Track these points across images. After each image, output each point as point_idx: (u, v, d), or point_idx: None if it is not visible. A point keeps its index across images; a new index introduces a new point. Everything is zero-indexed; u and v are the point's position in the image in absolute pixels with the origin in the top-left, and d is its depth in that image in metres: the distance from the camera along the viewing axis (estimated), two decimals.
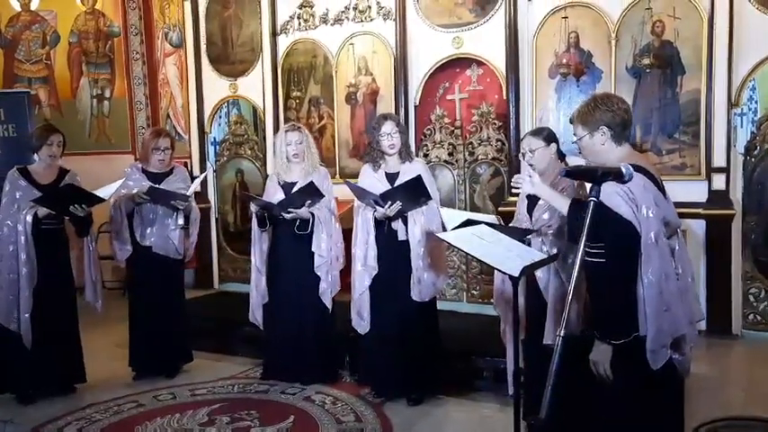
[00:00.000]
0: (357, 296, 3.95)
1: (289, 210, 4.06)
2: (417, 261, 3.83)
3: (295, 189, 4.11)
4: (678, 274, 2.43)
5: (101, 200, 4.00)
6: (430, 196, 3.81)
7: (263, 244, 4.32)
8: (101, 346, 5.00)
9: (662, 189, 2.42)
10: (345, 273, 4.35)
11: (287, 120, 6.25)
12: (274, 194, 4.23)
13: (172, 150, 4.43)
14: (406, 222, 3.85)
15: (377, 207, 3.81)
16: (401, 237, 3.86)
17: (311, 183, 4.04)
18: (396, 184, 3.83)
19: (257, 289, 4.34)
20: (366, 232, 3.91)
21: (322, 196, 4.10)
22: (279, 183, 4.25)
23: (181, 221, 4.35)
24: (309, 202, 4.08)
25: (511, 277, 2.58)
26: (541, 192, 2.73)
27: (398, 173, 3.91)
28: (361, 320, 3.97)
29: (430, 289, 3.90)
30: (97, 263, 4.28)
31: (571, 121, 2.54)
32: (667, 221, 2.33)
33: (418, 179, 3.71)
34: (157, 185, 4.27)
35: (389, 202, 3.75)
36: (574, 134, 2.53)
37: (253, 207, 4.25)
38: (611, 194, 2.21)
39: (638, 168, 2.29)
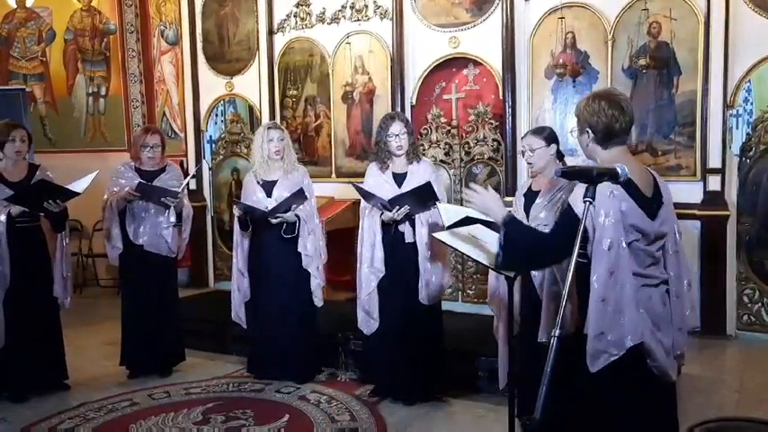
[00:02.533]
0: (365, 297, 3.92)
1: (276, 215, 4.07)
2: (425, 263, 3.80)
3: (286, 197, 4.09)
4: (666, 280, 2.37)
5: (75, 194, 3.92)
6: (438, 200, 3.77)
7: (244, 246, 4.32)
8: (94, 345, 4.99)
9: (655, 194, 2.31)
10: (328, 271, 4.42)
11: (283, 119, 6.26)
12: (254, 193, 4.22)
13: (162, 148, 4.40)
14: (413, 224, 3.83)
15: (384, 210, 3.79)
16: (408, 239, 3.84)
17: (301, 189, 4.04)
18: (405, 190, 3.79)
19: (239, 290, 4.35)
20: (373, 234, 3.87)
21: (306, 199, 4.12)
22: (258, 182, 4.24)
23: (173, 219, 4.32)
24: (295, 205, 4.09)
25: (506, 277, 2.58)
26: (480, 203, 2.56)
27: (406, 173, 3.88)
28: (370, 320, 3.94)
29: (437, 291, 3.89)
30: (69, 259, 4.21)
31: None
32: (640, 230, 2.21)
33: (428, 186, 3.67)
34: (149, 183, 4.26)
35: (397, 207, 3.73)
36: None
37: (236, 210, 4.24)
38: (577, 196, 2.14)
39: None
